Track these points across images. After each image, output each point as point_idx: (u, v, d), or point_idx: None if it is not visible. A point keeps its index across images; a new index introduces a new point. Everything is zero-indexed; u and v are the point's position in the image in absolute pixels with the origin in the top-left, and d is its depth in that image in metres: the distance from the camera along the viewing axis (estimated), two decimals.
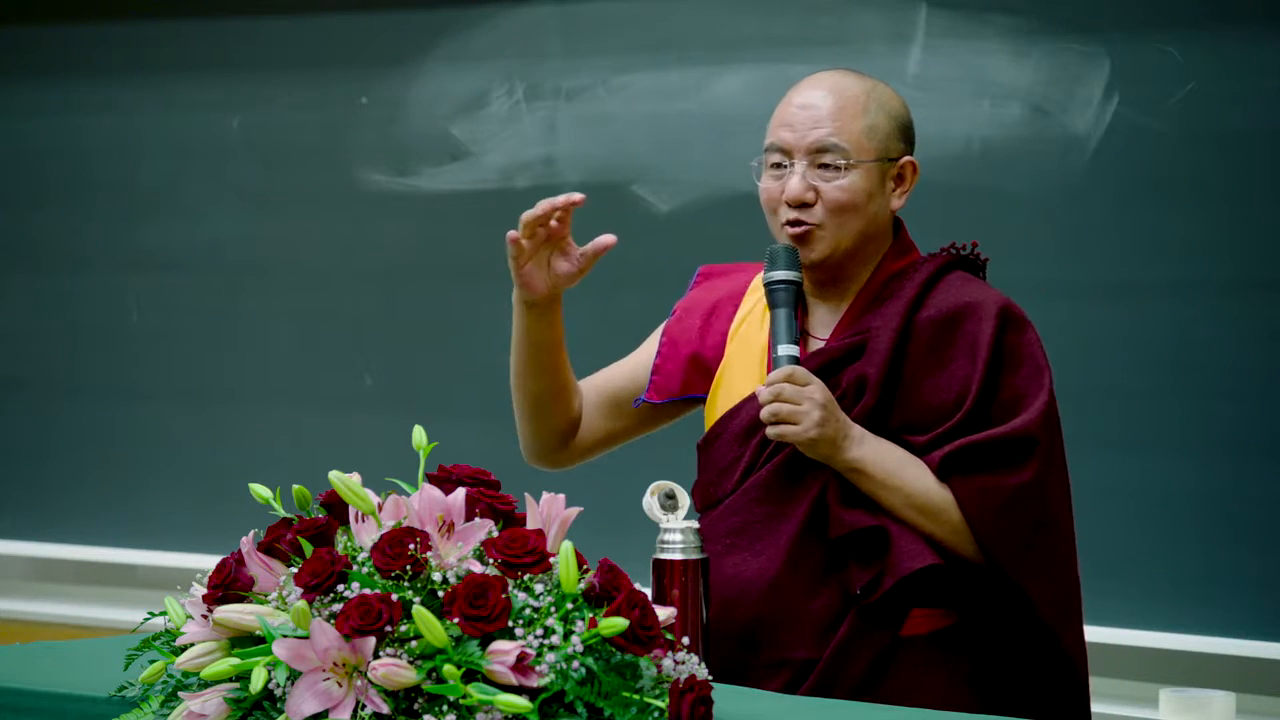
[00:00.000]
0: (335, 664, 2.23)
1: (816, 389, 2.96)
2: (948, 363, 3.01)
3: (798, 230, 3.05)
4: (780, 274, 3.04)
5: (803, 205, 3.04)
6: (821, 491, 3.00)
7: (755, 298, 3.19)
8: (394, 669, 2.20)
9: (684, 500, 2.77)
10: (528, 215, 3.05)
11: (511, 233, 3.06)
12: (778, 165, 3.07)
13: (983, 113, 4.34)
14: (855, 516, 2.96)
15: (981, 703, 2.98)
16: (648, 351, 3.29)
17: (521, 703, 2.17)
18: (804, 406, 2.95)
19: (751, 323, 3.17)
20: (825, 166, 3.04)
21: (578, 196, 3.06)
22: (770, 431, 2.98)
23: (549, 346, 3.19)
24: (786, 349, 3.01)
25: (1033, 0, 4.30)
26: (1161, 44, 4.17)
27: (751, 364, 3.11)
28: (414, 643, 2.22)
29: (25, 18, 5.61)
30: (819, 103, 3.06)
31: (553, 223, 3.06)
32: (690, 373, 3.22)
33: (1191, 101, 4.15)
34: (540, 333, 3.17)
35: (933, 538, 2.96)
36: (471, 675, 2.21)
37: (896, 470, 2.97)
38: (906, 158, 3.09)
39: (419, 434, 2.51)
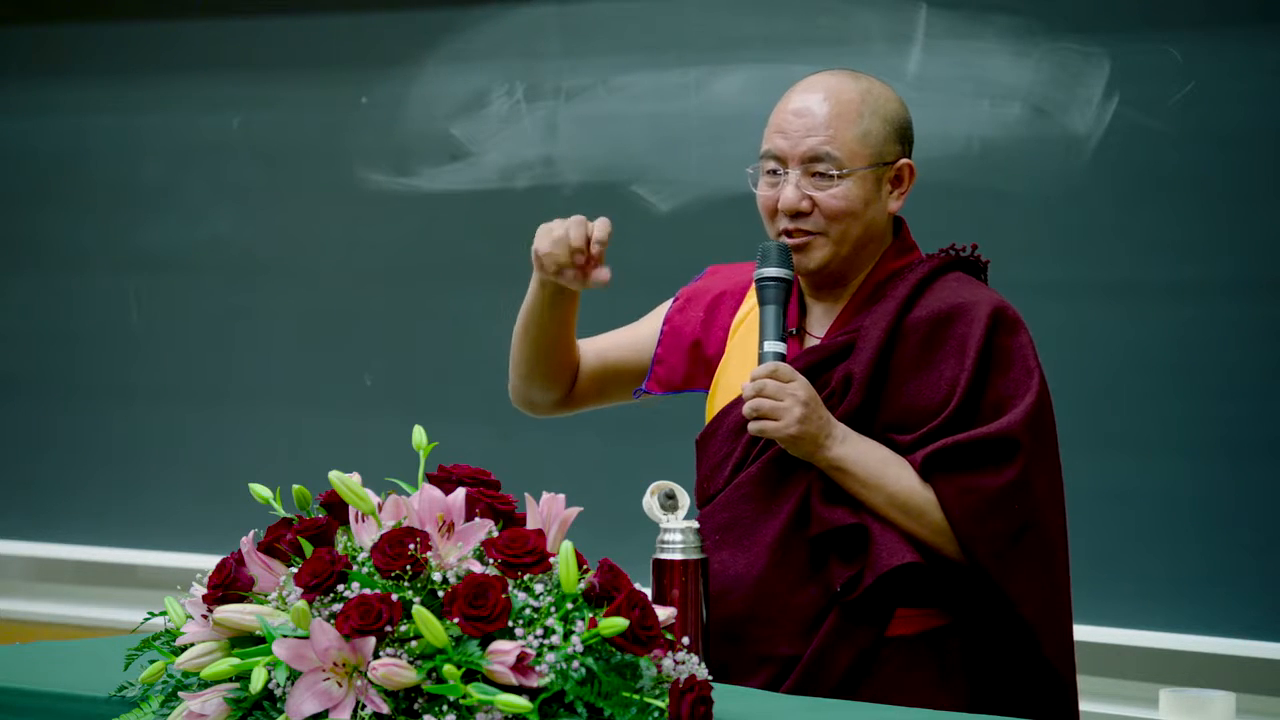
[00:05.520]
0: (335, 664, 2.23)
1: (800, 386, 2.96)
2: (937, 363, 3.00)
3: (796, 240, 3.05)
4: (772, 270, 3.03)
5: (799, 214, 3.05)
6: (807, 489, 2.99)
7: (754, 299, 3.19)
8: (394, 669, 2.20)
9: (684, 500, 2.77)
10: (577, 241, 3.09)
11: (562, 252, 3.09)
12: (773, 172, 3.07)
13: (983, 113, 4.34)
14: (836, 514, 2.96)
15: (970, 704, 2.97)
16: (649, 329, 3.29)
17: (521, 703, 2.17)
18: (786, 403, 2.95)
19: (753, 320, 3.16)
20: (819, 175, 3.03)
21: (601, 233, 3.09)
22: (752, 427, 2.98)
23: (556, 327, 3.23)
24: (773, 345, 3.00)
25: (1033, 0, 4.30)
26: (1161, 44, 4.17)
27: (750, 361, 3.10)
28: (414, 643, 2.22)
29: (25, 18, 5.61)
30: (813, 109, 3.04)
31: (594, 247, 3.09)
32: (693, 365, 3.22)
33: (1191, 101, 4.15)
34: (553, 315, 3.22)
35: (915, 537, 2.95)
36: (471, 675, 2.21)
37: (879, 469, 2.96)
38: (903, 160, 3.07)
39: (419, 434, 2.51)
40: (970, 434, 2.95)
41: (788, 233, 3.05)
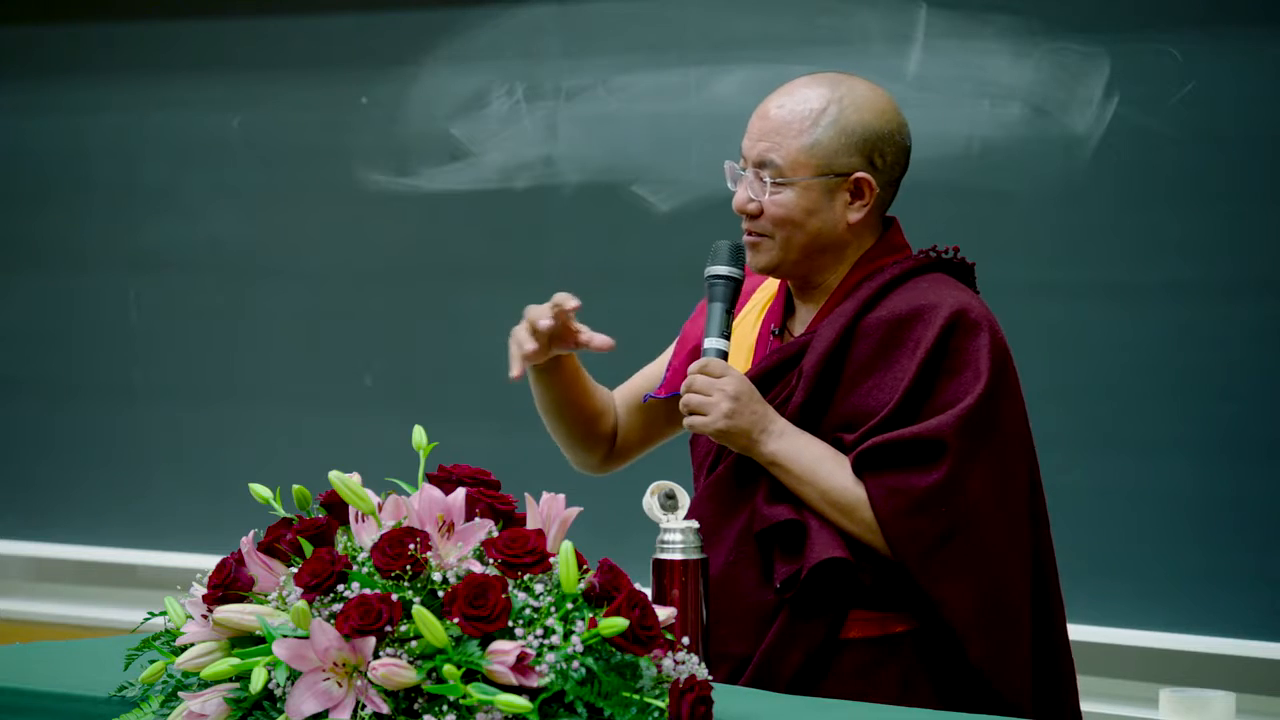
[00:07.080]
0: (335, 664, 2.23)
1: (729, 380, 2.98)
2: (892, 364, 2.99)
3: (750, 240, 3.07)
4: (719, 269, 3.07)
5: (751, 215, 3.06)
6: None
7: (757, 298, 3.20)
8: (394, 669, 2.20)
9: (684, 500, 2.77)
10: (540, 322, 3.07)
11: (531, 347, 3.08)
12: (739, 169, 3.09)
13: (983, 113, 4.34)
14: (777, 511, 2.97)
15: (938, 709, 2.95)
16: (668, 356, 3.31)
17: (521, 703, 2.18)
18: (714, 398, 2.97)
19: (745, 322, 3.18)
20: (762, 180, 3.04)
21: (573, 303, 3.07)
22: (685, 422, 3.01)
23: (568, 394, 3.25)
24: (714, 342, 3.03)
25: (1033, 0, 4.30)
26: (1161, 44, 4.17)
27: (736, 362, 3.12)
28: (414, 643, 2.22)
29: (25, 18, 5.61)
30: (773, 114, 3.05)
31: (543, 324, 3.07)
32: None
33: (1191, 101, 4.15)
34: (557, 386, 3.23)
35: (849, 534, 2.95)
36: (471, 675, 2.21)
37: (813, 465, 2.97)
38: (860, 174, 3.04)
39: (419, 434, 2.52)
40: (899, 433, 2.94)
41: (746, 231, 3.08)
